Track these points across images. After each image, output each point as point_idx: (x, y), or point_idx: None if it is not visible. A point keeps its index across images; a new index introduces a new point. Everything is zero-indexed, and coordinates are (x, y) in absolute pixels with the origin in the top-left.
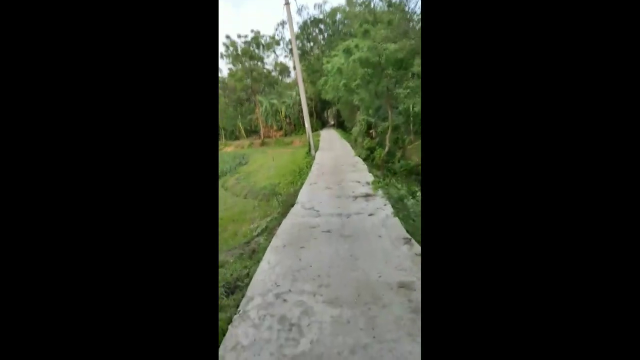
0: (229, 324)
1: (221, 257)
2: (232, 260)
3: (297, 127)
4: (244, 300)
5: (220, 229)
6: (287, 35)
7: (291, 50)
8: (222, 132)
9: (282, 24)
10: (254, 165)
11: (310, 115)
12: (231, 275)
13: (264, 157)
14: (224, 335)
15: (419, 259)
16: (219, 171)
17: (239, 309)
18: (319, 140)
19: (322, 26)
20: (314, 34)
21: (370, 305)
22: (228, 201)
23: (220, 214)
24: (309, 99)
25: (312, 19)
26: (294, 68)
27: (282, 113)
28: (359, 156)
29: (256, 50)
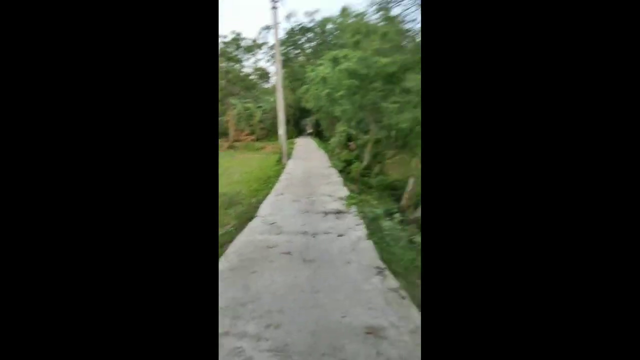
0: None
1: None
2: None
3: (270, 132)
4: None
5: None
6: (270, 40)
7: (273, 55)
8: None
9: (267, 28)
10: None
11: (288, 122)
12: None
13: (229, 161)
14: None
15: (393, 295)
16: None
17: None
18: (293, 148)
19: (310, 35)
20: (301, 41)
21: (328, 357)
22: None
23: None
24: (288, 106)
25: (301, 26)
26: (276, 74)
27: (257, 118)
28: (335, 167)
29: (235, 53)
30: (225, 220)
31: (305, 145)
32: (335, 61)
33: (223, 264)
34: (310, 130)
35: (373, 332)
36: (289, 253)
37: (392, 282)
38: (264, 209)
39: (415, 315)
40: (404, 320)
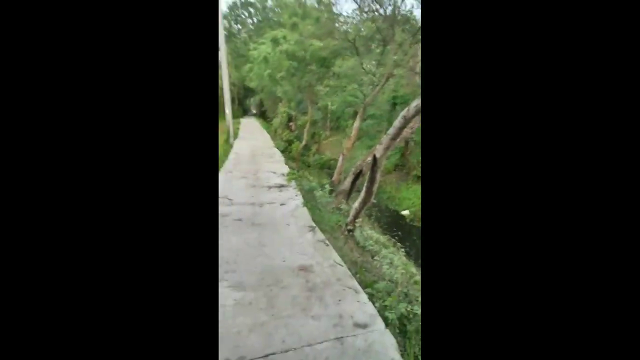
0: None
1: None
2: None
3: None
4: None
5: None
6: None
7: None
8: None
9: None
10: None
11: (232, 101)
12: None
13: None
14: None
15: (320, 245)
16: None
17: None
18: (238, 129)
19: (252, 10)
20: (243, 16)
21: (272, 287)
22: None
23: None
24: (231, 84)
25: (243, 0)
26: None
27: None
28: (278, 147)
29: None
30: None
31: (250, 126)
32: (276, 42)
33: None
34: (254, 111)
35: (304, 269)
36: (240, 220)
37: (320, 235)
38: None
39: (334, 256)
40: (327, 260)
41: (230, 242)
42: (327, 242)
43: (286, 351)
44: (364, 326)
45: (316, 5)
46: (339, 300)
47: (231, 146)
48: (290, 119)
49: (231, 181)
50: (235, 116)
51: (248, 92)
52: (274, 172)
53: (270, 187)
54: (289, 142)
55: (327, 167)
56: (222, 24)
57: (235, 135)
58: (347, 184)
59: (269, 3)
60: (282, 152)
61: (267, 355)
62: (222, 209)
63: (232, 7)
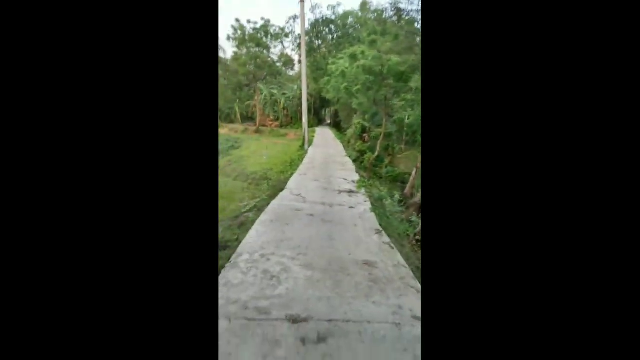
0: (221, 269)
1: None
2: (221, 229)
3: (293, 120)
4: (234, 256)
5: None
6: (297, 30)
7: (299, 44)
8: (218, 114)
9: (294, 18)
10: (247, 151)
11: (309, 111)
12: (222, 238)
13: (257, 144)
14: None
15: (385, 246)
16: None
17: (230, 260)
18: (313, 137)
19: (332, 27)
20: (324, 33)
21: (338, 273)
22: (219, 181)
23: None
24: (309, 94)
25: (324, 18)
26: (299, 62)
27: (281, 104)
28: (350, 157)
29: (264, 39)
30: (260, 190)
31: (324, 135)
32: (354, 57)
33: (265, 217)
34: (328, 121)
35: (368, 264)
36: (312, 215)
37: (386, 239)
38: (291, 184)
39: (398, 258)
40: (391, 260)
41: (302, 232)
42: (392, 245)
43: (347, 321)
44: None
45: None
46: (400, 295)
47: (306, 152)
48: (364, 130)
49: (305, 183)
50: (311, 125)
51: (324, 102)
52: (345, 179)
53: (340, 192)
54: (362, 153)
55: (399, 181)
56: (304, 40)
57: (310, 143)
58: (420, 197)
59: (350, 20)
60: (354, 161)
61: (330, 320)
62: (296, 204)
63: (314, 24)
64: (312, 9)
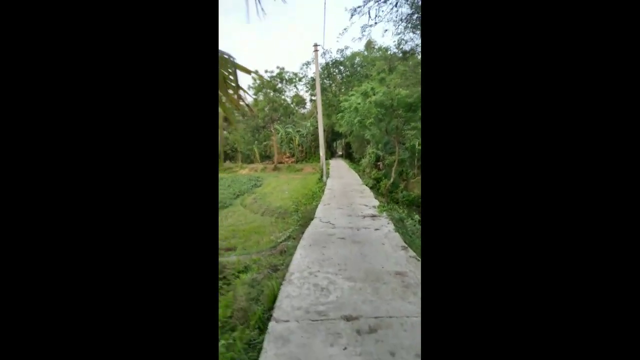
0: (280, 285)
1: (251, 256)
2: (262, 258)
3: (307, 154)
4: (287, 274)
5: (243, 239)
6: (309, 73)
7: (312, 85)
8: (239, 156)
9: (307, 63)
10: (268, 187)
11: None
12: (270, 263)
13: (276, 180)
14: (276, 292)
15: (412, 259)
16: (238, 191)
17: (285, 278)
18: (329, 168)
19: (341, 67)
20: (334, 73)
21: (375, 282)
22: (248, 217)
23: (243, 227)
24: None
25: (334, 60)
26: (310, 101)
27: (296, 141)
28: (367, 185)
29: (279, 84)
30: (287, 223)
31: (338, 166)
32: (365, 95)
33: (303, 243)
34: (340, 153)
35: (399, 274)
36: (343, 238)
37: (411, 253)
38: (318, 213)
39: None
40: (417, 270)
41: (338, 252)
42: (417, 258)
43: (390, 317)
44: None
45: (401, 56)
46: None
47: (325, 184)
48: (378, 159)
49: (330, 211)
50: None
51: (335, 136)
52: (366, 205)
53: (364, 216)
54: (377, 180)
55: (415, 204)
56: (319, 82)
57: (327, 175)
58: None
59: (357, 59)
60: (371, 188)
61: (376, 317)
62: (327, 230)
63: (325, 67)
64: (323, 53)
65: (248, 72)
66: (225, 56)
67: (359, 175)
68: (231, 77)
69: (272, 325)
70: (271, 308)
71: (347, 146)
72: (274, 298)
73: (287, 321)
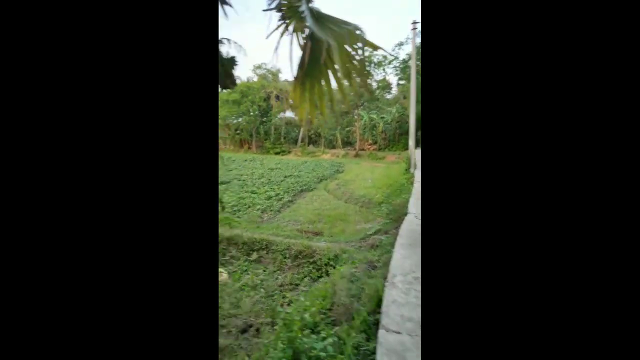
0: (383, 286)
1: (340, 245)
2: (352, 250)
3: (391, 143)
4: (389, 276)
5: (329, 225)
6: (402, 55)
7: (402, 69)
8: (322, 140)
9: (400, 44)
10: (350, 174)
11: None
12: (364, 257)
13: (358, 167)
14: (380, 294)
15: None
16: (322, 175)
17: (387, 280)
18: (416, 159)
19: None
20: None
21: None
22: (332, 202)
23: (328, 212)
24: (408, 117)
25: None
26: (397, 85)
27: (380, 128)
28: None
29: (367, 69)
30: (372, 214)
31: None
32: None
33: (402, 240)
34: None
35: None
36: None
37: None
38: (412, 208)
39: None
40: None
41: None
42: None
43: None
44: None
45: None
46: None
47: (413, 175)
48: None
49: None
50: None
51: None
52: None
53: None
54: None
55: None
56: (414, 65)
57: (415, 166)
58: None
59: None
60: None
61: None
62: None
63: (419, 48)
64: (419, 33)
65: (375, 47)
66: (357, 31)
67: None
68: (359, 52)
69: (382, 334)
70: (376, 311)
71: None
72: (378, 301)
73: (398, 332)
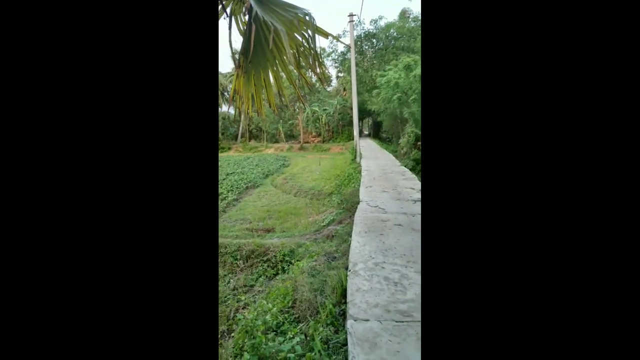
0: (346, 276)
1: (294, 240)
2: (308, 243)
3: (334, 134)
4: (350, 265)
5: (280, 220)
6: (339, 48)
7: (341, 62)
8: (264, 135)
9: (337, 37)
10: (297, 167)
11: (350, 124)
12: (321, 250)
13: (304, 160)
14: (344, 284)
15: None
16: (267, 170)
17: (349, 269)
18: (360, 148)
19: (374, 40)
20: (365, 47)
21: None
22: (281, 197)
23: (278, 207)
24: (349, 108)
25: (367, 32)
26: (336, 77)
27: (322, 120)
28: (406, 166)
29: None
30: (324, 205)
31: (369, 146)
32: (408, 68)
33: (357, 229)
34: (366, 132)
35: None
36: (400, 225)
37: None
38: (363, 196)
39: None
40: None
41: (400, 241)
42: None
43: None
44: None
45: None
46: None
47: (359, 165)
48: (417, 138)
49: (374, 194)
50: (351, 138)
51: (362, 114)
52: (412, 188)
53: (415, 201)
54: (417, 162)
55: None
56: (353, 58)
57: (361, 155)
58: None
59: (391, 31)
60: (411, 170)
61: None
62: (379, 215)
63: (356, 40)
64: (356, 25)
65: (326, 35)
66: (307, 17)
67: (395, 156)
68: (310, 41)
69: (351, 324)
70: (341, 302)
71: (375, 125)
72: (342, 291)
73: (366, 320)
